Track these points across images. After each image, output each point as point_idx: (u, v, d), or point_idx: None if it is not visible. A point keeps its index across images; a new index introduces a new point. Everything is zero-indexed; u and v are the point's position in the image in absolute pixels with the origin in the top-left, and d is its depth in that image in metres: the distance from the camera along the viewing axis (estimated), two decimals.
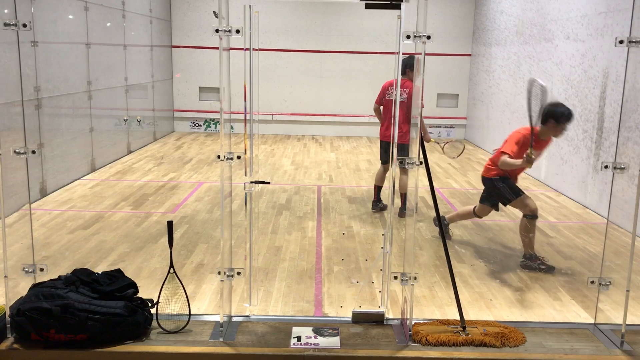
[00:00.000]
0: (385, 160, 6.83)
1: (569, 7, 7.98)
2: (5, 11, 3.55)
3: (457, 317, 3.65)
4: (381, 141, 6.88)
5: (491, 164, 5.25)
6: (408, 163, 3.40)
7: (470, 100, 13.06)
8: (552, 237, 6.02)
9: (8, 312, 3.40)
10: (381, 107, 6.76)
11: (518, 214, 6.83)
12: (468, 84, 13.16)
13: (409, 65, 6.14)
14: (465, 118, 13.25)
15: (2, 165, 3.36)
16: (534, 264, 5.07)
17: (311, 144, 12.04)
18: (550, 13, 8.66)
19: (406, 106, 6.31)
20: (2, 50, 3.40)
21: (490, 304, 4.32)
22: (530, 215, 5.05)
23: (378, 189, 6.89)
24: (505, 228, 6.27)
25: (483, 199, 5.43)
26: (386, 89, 6.58)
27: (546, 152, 8.57)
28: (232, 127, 3.76)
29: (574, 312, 4.23)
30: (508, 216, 6.74)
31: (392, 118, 5.89)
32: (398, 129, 5.92)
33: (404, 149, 6.22)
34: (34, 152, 3.50)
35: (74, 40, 8.05)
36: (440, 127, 13.29)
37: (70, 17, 7.97)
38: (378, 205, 6.84)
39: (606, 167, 3.60)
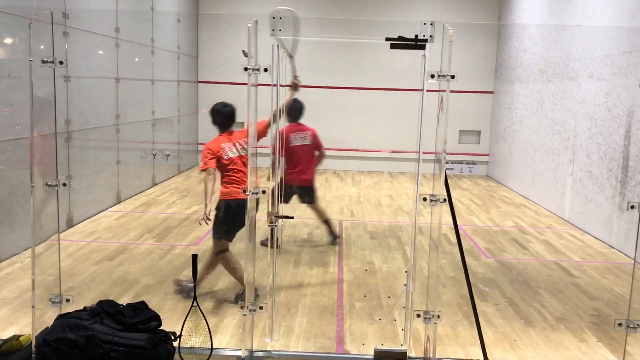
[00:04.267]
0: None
1: (593, 47, 8.01)
2: (42, 47, 3.69)
3: (481, 357, 3.60)
4: (293, 186, 6.45)
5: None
6: (432, 200, 3.41)
7: (492, 137, 13.05)
8: (577, 276, 5.93)
9: (34, 342, 3.45)
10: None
11: (542, 252, 6.77)
12: (490, 121, 13.17)
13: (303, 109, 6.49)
14: (488, 155, 13.23)
15: (33, 196, 3.45)
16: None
17: (333, 178, 12.09)
18: (573, 52, 8.70)
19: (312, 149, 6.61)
20: (37, 85, 3.53)
21: (514, 344, 4.26)
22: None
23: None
24: (529, 266, 6.20)
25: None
26: (288, 136, 6.33)
27: (570, 190, 8.51)
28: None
29: (601, 355, 4.14)
30: (532, 255, 6.67)
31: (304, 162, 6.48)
32: (311, 173, 6.63)
33: (312, 192, 6.68)
34: (64, 184, 3.59)
35: (104, 75, 8.29)
36: (462, 163, 13.27)
37: (101, 52, 8.22)
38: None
39: (632, 207, 3.58)
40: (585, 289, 5.54)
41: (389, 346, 3.96)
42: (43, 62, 3.42)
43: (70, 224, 7.22)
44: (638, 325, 3.64)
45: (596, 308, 5.06)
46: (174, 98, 11.55)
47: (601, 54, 7.74)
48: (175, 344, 3.61)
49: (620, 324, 3.66)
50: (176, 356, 3.58)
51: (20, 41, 6.02)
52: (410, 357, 3.72)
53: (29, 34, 3.39)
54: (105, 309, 3.65)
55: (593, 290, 5.52)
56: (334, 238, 6.86)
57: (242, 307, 3.53)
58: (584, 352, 4.17)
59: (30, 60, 3.35)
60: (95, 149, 8.10)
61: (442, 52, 3.36)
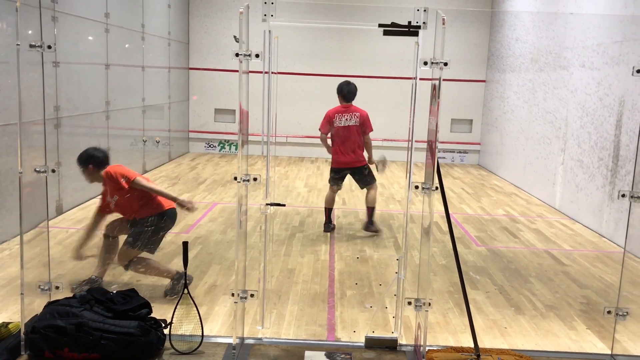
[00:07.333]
0: (337, 184, 6.90)
1: (585, 36, 8.00)
2: (30, 32, 3.63)
3: (472, 345, 3.61)
4: (335, 168, 6.86)
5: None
6: (424, 188, 3.40)
7: (484, 126, 13.06)
8: (568, 265, 5.96)
9: (23, 330, 3.43)
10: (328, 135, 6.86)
11: (533, 241, 6.80)
12: (482, 110, 13.17)
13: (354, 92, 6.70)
14: (479, 144, 13.24)
15: (22, 183, 3.41)
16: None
17: (324, 166, 12.06)
18: (565, 41, 8.69)
19: (360, 130, 6.69)
20: (25, 70, 3.48)
21: (505, 332, 4.28)
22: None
23: (329, 211, 6.95)
24: (519, 255, 6.22)
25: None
26: (332, 117, 6.70)
27: (561, 179, 8.53)
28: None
29: (590, 342, 4.17)
30: (522, 243, 6.70)
31: (344, 143, 6.65)
32: (356, 153, 6.68)
33: (361, 172, 6.72)
34: (53, 170, 3.55)
35: (94, 61, 8.19)
36: (454, 152, 13.28)
37: (91, 38, 8.12)
38: (330, 226, 6.89)
39: (623, 195, 3.59)
40: (575, 277, 5.58)
41: (380, 333, 3.97)
42: (31, 46, 3.36)
43: (59, 211, 7.16)
44: (627, 313, 3.67)
45: (586, 296, 5.09)
46: (164, 85, 11.45)
47: (593, 43, 7.73)
48: (166, 331, 3.60)
49: (609, 312, 3.68)
50: (167, 344, 3.56)
51: (7, 25, 5.93)
52: (401, 345, 3.73)
53: (16, 18, 3.33)
54: (95, 297, 3.63)
55: (583, 279, 5.55)
56: (369, 227, 6.70)
57: (232, 295, 3.52)
58: (574, 340, 4.20)
59: (17, 45, 3.29)
60: (85, 135, 8.02)
61: (435, 39, 3.33)
